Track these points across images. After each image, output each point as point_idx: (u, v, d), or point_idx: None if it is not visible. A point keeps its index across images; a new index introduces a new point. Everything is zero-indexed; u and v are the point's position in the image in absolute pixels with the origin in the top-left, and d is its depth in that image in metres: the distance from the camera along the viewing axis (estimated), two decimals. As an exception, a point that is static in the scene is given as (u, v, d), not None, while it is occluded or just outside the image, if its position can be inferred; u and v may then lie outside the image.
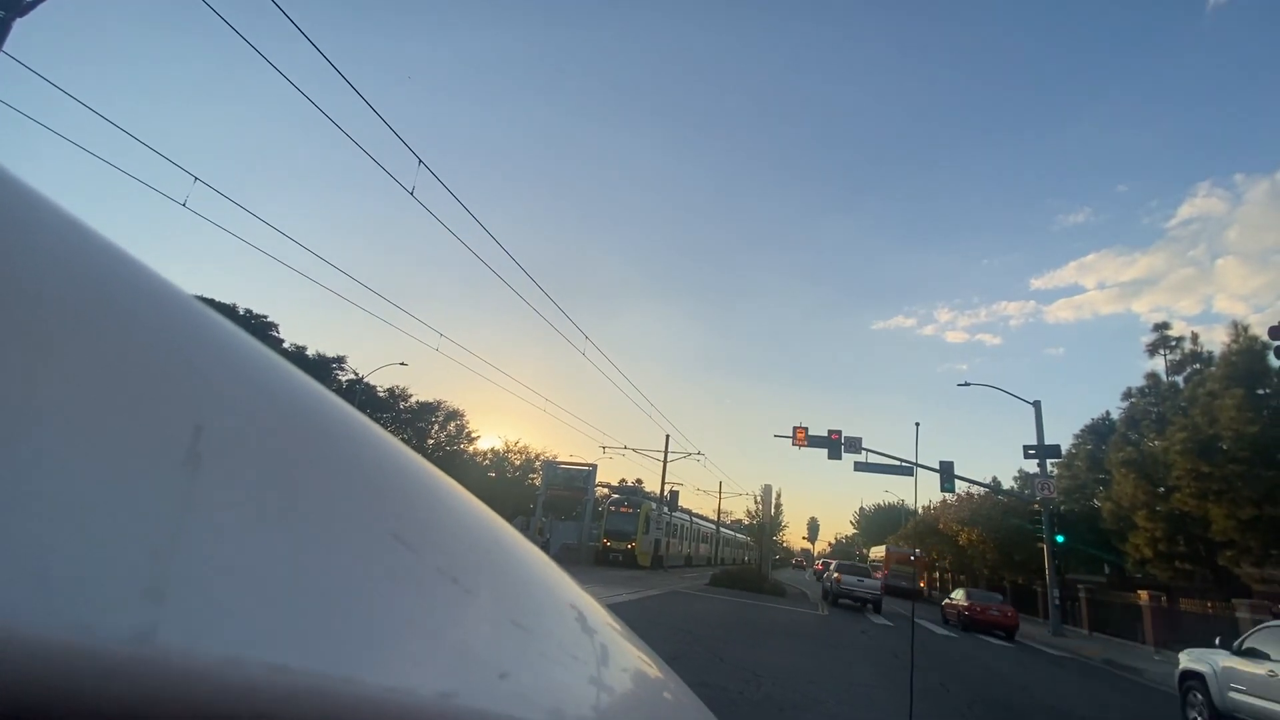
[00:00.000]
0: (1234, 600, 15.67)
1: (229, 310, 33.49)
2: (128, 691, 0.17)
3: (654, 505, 32.40)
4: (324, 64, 8.74)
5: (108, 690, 0.17)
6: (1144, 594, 19.38)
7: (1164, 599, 18.83)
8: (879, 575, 24.83)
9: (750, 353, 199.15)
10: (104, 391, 0.19)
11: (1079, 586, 23.84)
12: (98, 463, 0.18)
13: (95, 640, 0.17)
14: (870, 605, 20.46)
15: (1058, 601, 21.08)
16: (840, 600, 20.95)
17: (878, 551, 41.39)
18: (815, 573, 37.39)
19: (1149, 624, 18.83)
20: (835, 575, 21.56)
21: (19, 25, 8.15)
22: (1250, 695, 7.10)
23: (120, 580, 0.18)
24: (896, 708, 6.44)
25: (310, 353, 38.82)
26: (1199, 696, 7.92)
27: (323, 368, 38.54)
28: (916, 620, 16.61)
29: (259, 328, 36.07)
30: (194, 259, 76.91)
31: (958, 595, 20.53)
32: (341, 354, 41.15)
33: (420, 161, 11.36)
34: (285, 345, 37.13)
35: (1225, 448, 15.85)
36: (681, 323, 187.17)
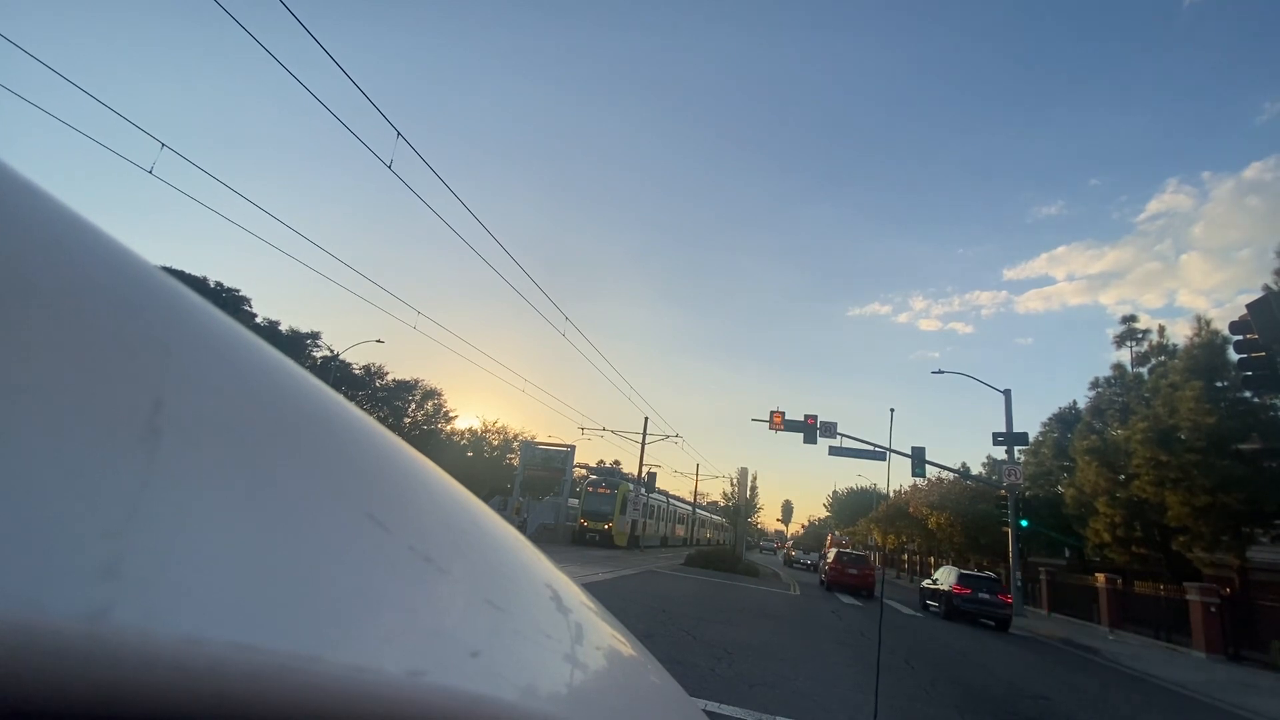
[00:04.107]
0: (1185, 584, 16.37)
1: (200, 283, 32.54)
2: (81, 671, 0.17)
3: (631, 486, 32.59)
4: (299, 30, 8.45)
5: (60, 670, 0.16)
6: (1101, 577, 20.16)
7: (1119, 582, 19.61)
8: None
9: (729, 337, 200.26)
10: (59, 362, 0.19)
11: (1040, 569, 24.72)
12: (50, 435, 0.18)
13: (46, 618, 0.16)
14: (772, 552, 49.02)
15: (1020, 583, 21.81)
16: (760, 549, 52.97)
17: (829, 539, 71.62)
18: (787, 557, 50.37)
19: (1105, 605, 19.62)
20: (759, 544, 59.68)
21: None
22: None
23: (73, 556, 0.17)
24: (863, 684, 6.63)
25: (284, 328, 37.96)
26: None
27: (296, 343, 37.77)
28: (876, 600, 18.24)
29: (231, 301, 35.16)
30: (161, 229, 74.42)
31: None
32: (316, 329, 40.46)
33: (399, 134, 11.10)
34: (258, 320, 36.28)
35: (1184, 437, 16.39)
36: (662, 306, 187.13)
